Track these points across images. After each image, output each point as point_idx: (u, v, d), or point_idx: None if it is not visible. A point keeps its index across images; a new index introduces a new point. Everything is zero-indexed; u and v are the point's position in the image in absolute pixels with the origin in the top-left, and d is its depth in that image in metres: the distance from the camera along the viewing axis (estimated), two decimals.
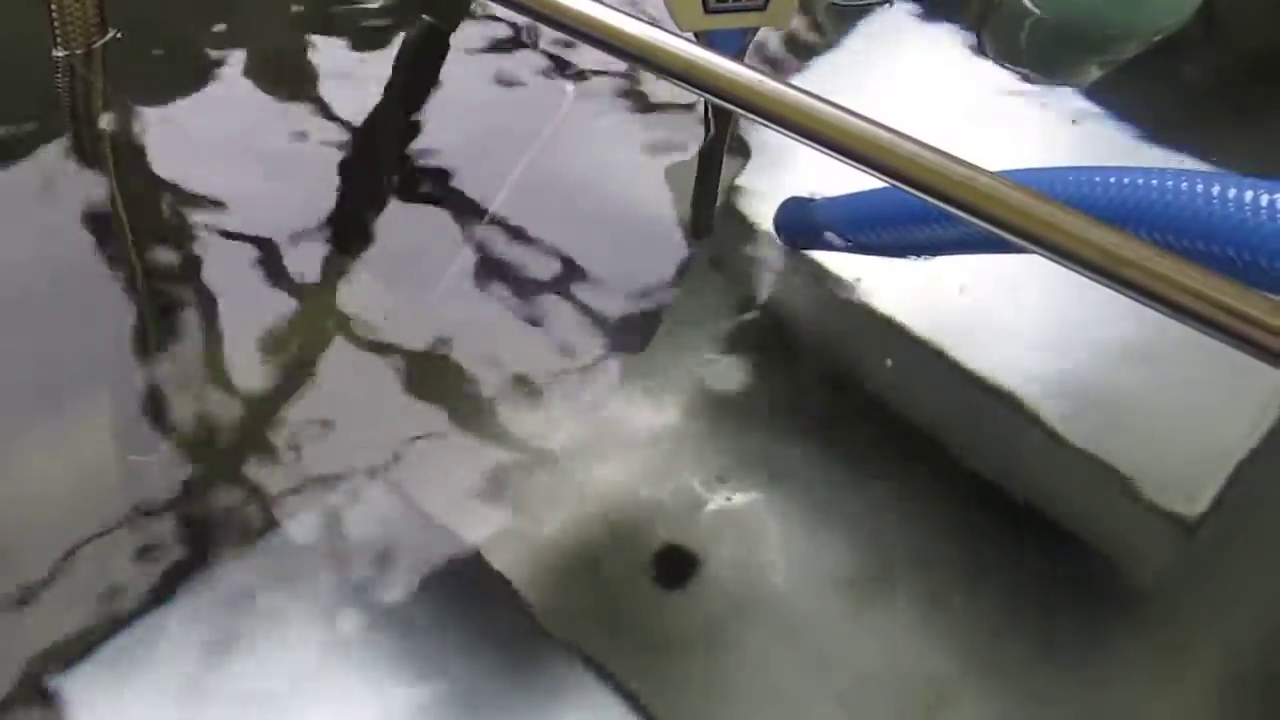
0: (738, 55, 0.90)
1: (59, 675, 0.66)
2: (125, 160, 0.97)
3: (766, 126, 0.60)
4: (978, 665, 0.71)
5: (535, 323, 0.87)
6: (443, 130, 1.03)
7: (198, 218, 0.92)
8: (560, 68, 1.09)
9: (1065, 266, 0.55)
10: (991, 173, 0.57)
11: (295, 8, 1.14)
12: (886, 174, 0.58)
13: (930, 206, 0.58)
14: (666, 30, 0.64)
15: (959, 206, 0.57)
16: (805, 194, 0.94)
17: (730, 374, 0.86)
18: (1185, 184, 0.60)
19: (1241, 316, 0.51)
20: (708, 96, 0.62)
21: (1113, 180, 0.64)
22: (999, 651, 0.72)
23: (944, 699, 0.69)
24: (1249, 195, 0.59)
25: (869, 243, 0.87)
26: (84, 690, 0.66)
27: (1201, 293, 0.52)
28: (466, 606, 0.71)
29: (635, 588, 0.73)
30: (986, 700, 0.69)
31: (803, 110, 0.59)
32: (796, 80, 0.72)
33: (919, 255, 0.86)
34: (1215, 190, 0.59)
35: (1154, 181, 0.62)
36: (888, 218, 0.81)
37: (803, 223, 0.93)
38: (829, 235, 0.89)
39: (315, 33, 1.10)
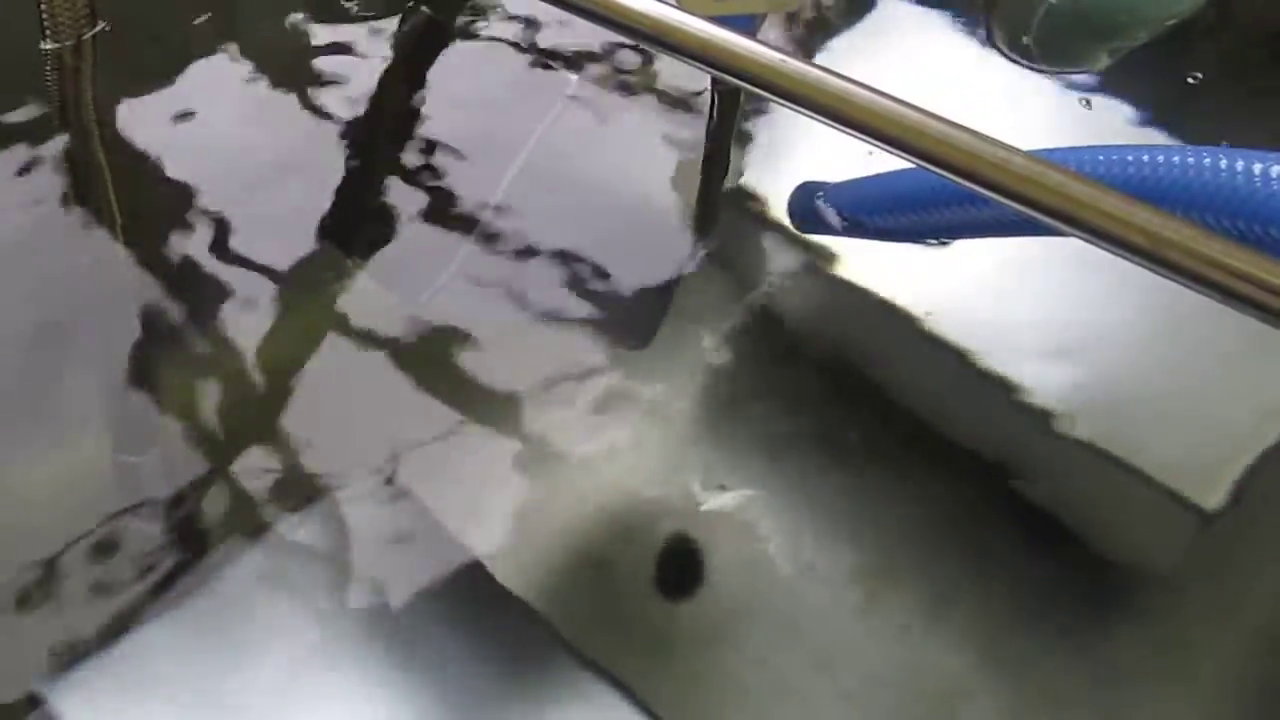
0: None
1: (55, 681, 0.65)
2: (115, 154, 0.96)
3: (788, 108, 0.59)
4: (987, 662, 0.69)
5: (536, 320, 0.86)
6: (440, 124, 1.01)
7: (190, 213, 0.91)
8: (561, 58, 1.07)
9: (1104, 249, 0.54)
10: (1025, 153, 0.55)
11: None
12: (915, 155, 0.56)
13: (951, 187, 0.56)
14: (681, 10, 0.62)
15: (992, 188, 0.55)
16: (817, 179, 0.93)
17: (734, 369, 0.84)
18: (1225, 161, 0.59)
19: None
20: (726, 78, 0.60)
21: (1145, 159, 0.62)
22: (1009, 648, 0.70)
23: (952, 696, 0.68)
24: None
25: (885, 227, 0.86)
26: (80, 696, 0.65)
27: (1253, 275, 0.50)
28: (469, 606, 0.70)
29: (639, 586, 0.72)
30: (996, 698, 0.68)
31: (828, 90, 0.57)
32: None
33: (936, 239, 0.85)
34: (1257, 169, 0.57)
35: (1190, 159, 0.60)
36: (906, 200, 0.80)
37: (816, 208, 0.92)
38: (842, 220, 0.88)
39: (309, 24, 1.09)
